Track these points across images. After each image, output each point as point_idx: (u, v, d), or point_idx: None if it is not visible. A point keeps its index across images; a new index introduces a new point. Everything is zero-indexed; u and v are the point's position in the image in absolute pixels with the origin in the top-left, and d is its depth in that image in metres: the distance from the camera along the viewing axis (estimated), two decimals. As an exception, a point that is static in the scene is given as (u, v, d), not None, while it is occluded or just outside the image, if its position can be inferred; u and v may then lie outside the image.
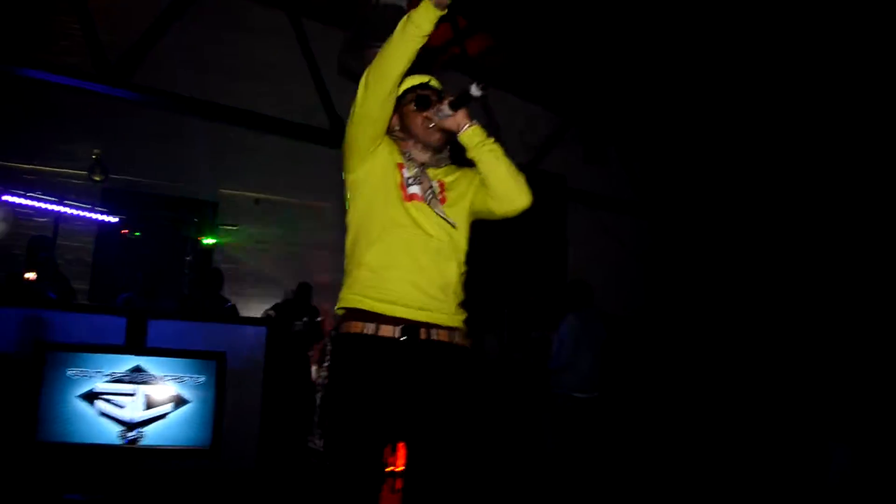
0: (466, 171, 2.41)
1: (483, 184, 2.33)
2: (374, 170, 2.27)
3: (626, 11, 6.80)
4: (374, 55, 5.40)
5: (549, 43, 7.85)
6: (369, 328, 2.15)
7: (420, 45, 2.14)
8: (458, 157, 2.41)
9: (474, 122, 2.29)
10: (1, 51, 6.16)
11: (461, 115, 2.27)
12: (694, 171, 9.75)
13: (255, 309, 7.05)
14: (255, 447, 5.16)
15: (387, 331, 2.14)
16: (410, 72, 2.30)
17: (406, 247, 2.20)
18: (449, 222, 2.26)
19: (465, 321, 2.29)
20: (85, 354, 4.47)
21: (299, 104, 7.58)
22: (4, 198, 6.40)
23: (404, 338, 2.15)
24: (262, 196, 8.00)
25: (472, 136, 2.28)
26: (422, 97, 2.35)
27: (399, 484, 5.55)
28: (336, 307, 2.27)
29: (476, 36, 8.19)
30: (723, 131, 8.56)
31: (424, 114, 2.33)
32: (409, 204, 2.25)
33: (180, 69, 7.32)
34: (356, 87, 2.22)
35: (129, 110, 7.05)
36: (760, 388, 7.76)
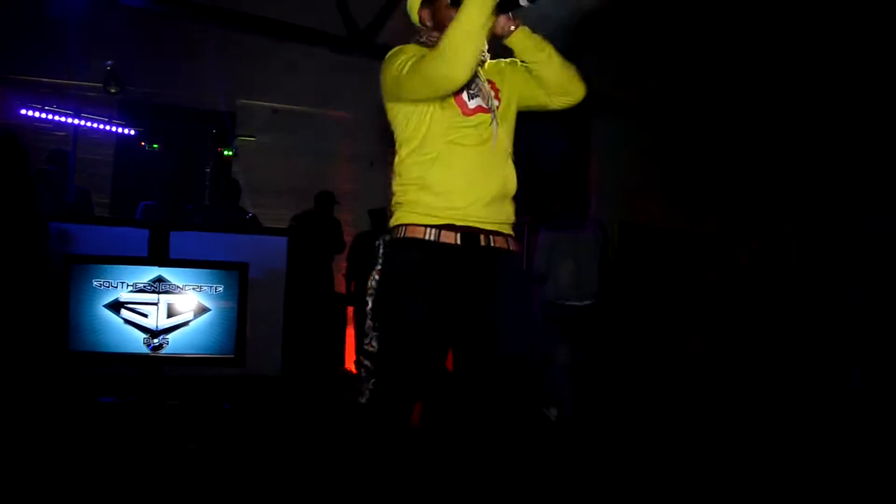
0: (508, 64, 2.33)
1: (536, 81, 2.26)
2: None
3: None
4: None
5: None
6: (430, 234, 2.13)
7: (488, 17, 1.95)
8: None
9: (519, 22, 2.17)
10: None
11: (504, 18, 2.15)
12: (714, 78, 9.45)
13: (274, 220, 7.06)
14: (279, 355, 5.28)
15: (448, 237, 2.12)
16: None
17: (471, 165, 2.15)
18: (494, 134, 2.19)
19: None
20: (109, 266, 4.53)
21: (315, 10, 7.38)
22: (22, 111, 6.37)
23: (464, 244, 2.13)
24: (279, 106, 7.89)
25: (519, 39, 2.19)
26: None
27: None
28: (395, 222, 2.22)
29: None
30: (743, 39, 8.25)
31: None
32: (471, 118, 2.17)
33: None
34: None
35: (143, 20, 6.91)
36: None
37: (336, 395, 5.63)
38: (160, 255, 4.93)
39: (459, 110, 2.17)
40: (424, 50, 2.17)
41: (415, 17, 2.33)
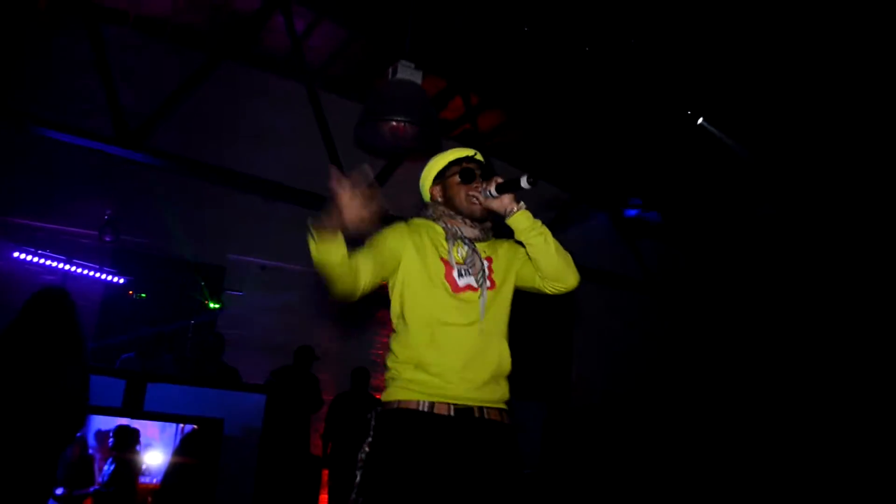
0: (509, 245, 2.41)
1: (532, 263, 2.31)
2: (411, 268, 2.25)
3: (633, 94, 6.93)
4: (388, 129, 5.45)
5: (559, 121, 7.99)
6: (424, 406, 2.14)
7: (336, 250, 2.07)
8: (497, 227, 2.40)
9: (521, 205, 2.27)
10: (22, 109, 6.29)
11: (507, 198, 2.25)
12: (703, 250, 9.78)
13: (257, 376, 6.98)
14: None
15: (441, 409, 2.14)
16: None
17: (464, 346, 2.19)
18: (481, 313, 2.23)
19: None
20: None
21: (311, 173, 7.66)
22: (14, 254, 6.44)
23: (457, 416, 2.14)
24: (269, 263, 8.02)
25: (520, 220, 2.26)
26: (466, 171, 2.34)
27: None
28: (387, 398, 2.22)
29: (488, 112, 8.35)
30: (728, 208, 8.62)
31: (468, 188, 2.32)
32: (461, 296, 2.23)
33: (196, 134, 7.46)
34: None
35: (142, 172, 7.14)
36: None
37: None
38: (134, 407, 4.82)
39: (449, 287, 2.23)
40: (422, 230, 2.29)
41: (426, 195, 2.44)
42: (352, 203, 2.01)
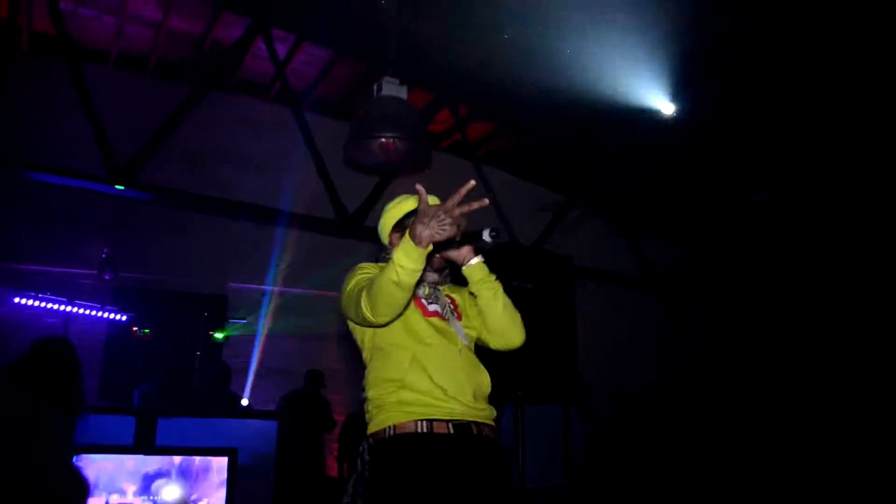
0: (467, 292, 2.43)
1: (481, 315, 2.36)
2: None
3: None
4: (377, 146, 5.43)
5: (548, 128, 8.00)
6: (422, 427, 2.11)
7: (415, 278, 2.01)
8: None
9: (479, 257, 2.32)
10: (13, 155, 6.31)
11: (466, 249, 2.30)
12: (702, 242, 9.78)
13: (265, 401, 6.97)
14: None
15: (440, 428, 2.12)
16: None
17: (445, 365, 2.20)
18: (464, 340, 2.29)
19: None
20: (93, 455, 4.41)
21: (305, 196, 7.69)
22: (15, 300, 6.43)
23: (457, 433, 2.13)
24: (270, 288, 8.02)
25: (475, 271, 2.31)
26: None
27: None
28: (378, 426, 2.17)
29: (477, 122, 8.37)
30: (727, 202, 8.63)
31: None
32: (432, 320, 2.27)
33: (186, 166, 7.48)
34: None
35: (136, 208, 7.17)
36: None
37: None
38: (146, 444, 4.81)
39: (421, 312, 2.27)
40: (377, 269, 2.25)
41: (385, 239, 2.44)
42: (447, 219, 1.93)
